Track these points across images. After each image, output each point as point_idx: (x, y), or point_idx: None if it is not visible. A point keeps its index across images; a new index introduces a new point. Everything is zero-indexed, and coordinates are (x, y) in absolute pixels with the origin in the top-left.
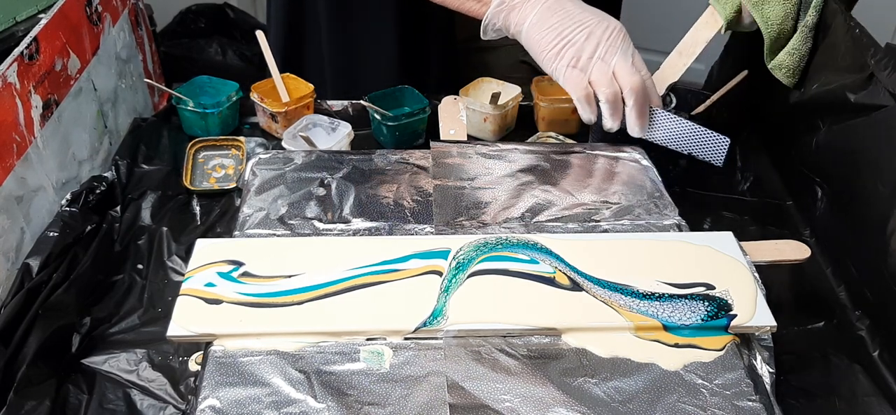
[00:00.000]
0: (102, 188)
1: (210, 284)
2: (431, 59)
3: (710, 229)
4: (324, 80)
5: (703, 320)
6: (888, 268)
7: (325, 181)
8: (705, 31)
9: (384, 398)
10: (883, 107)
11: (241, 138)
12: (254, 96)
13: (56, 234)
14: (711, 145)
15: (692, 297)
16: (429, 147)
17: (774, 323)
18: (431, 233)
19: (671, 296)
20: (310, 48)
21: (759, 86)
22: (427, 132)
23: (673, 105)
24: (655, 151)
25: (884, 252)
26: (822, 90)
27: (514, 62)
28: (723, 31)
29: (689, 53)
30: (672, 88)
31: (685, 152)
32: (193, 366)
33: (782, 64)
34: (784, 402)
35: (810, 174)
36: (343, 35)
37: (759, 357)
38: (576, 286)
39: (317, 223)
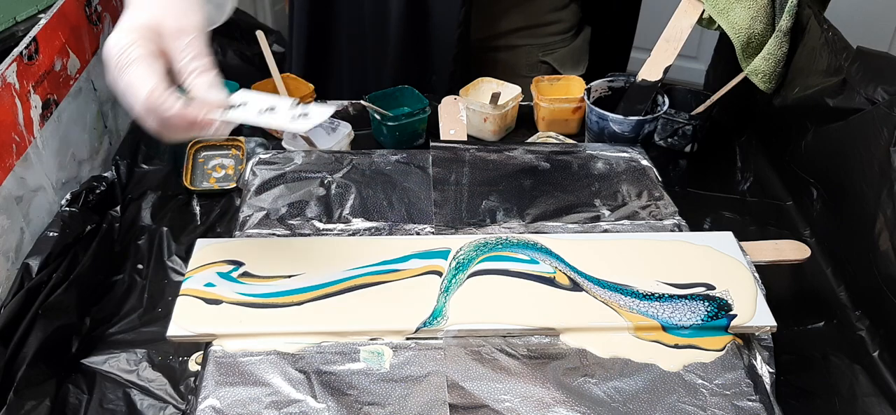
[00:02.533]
0: (102, 188)
1: (210, 285)
2: (436, 59)
3: (710, 229)
4: (342, 84)
5: (703, 320)
6: (878, 268)
7: (325, 181)
8: (686, 18)
9: (384, 398)
10: (859, 111)
11: (241, 138)
12: None
13: (56, 234)
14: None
15: (692, 297)
16: (429, 147)
17: (774, 323)
18: (431, 233)
19: (671, 296)
20: (332, 56)
21: (757, 86)
22: (427, 132)
23: (665, 106)
24: (655, 151)
25: (874, 252)
26: (803, 95)
27: (534, 62)
28: (703, 17)
29: (676, 39)
30: (671, 87)
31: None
32: (193, 366)
33: (758, 69)
34: (784, 402)
35: (805, 175)
36: (357, 39)
37: (759, 357)
38: (576, 286)
39: (317, 223)
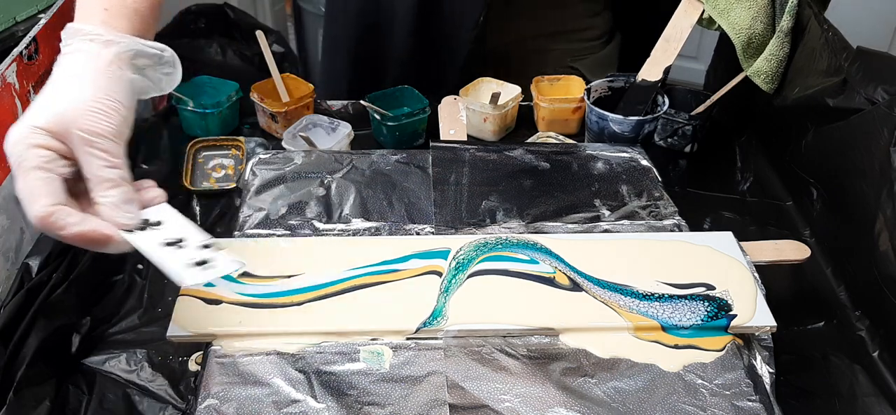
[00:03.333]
0: None
1: (210, 285)
2: (448, 63)
3: (710, 229)
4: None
5: (702, 320)
6: (878, 268)
7: (325, 181)
8: (686, 18)
9: (384, 398)
10: (859, 111)
11: (241, 138)
12: (254, 96)
13: None
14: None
15: (692, 297)
16: (429, 147)
17: (774, 323)
18: (431, 233)
19: (671, 296)
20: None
21: (757, 87)
22: (427, 132)
23: (665, 106)
24: (655, 151)
25: (874, 252)
26: (803, 95)
27: (564, 68)
28: (703, 18)
29: (676, 39)
30: (671, 87)
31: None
32: (193, 366)
33: (760, 70)
34: (784, 402)
35: (805, 175)
36: (373, 41)
37: (758, 357)
38: (576, 287)
39: (317, 223)
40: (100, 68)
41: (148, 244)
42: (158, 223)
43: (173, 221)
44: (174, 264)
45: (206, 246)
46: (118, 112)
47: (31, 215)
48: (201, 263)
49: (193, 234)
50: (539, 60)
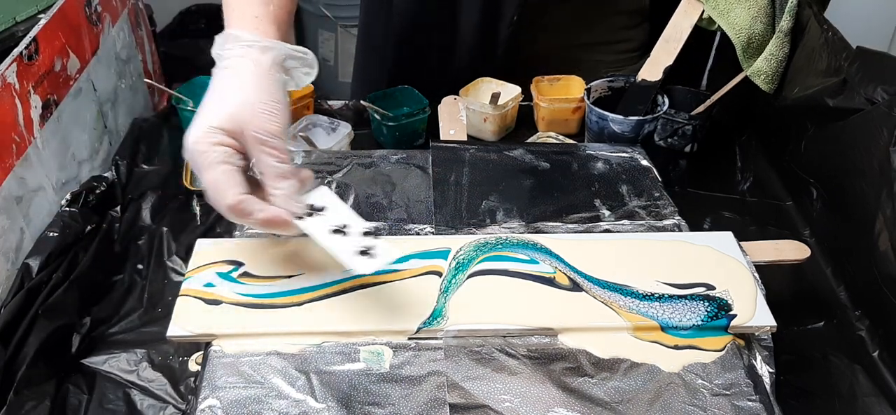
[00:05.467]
0: (102, 188)
1: (209, 285)
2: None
3: (710, 229)
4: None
5: (702, 320)
6: (878, 268)
7: (325, 181)
8: (686, 19)
9: (384, 398)
10: (859, 111)
11: None
12: None
13: (56, 234)
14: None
15: (692, 297)
16: (429, 147)
17: (774, 323)
18: (431, 233)
19: (671, 296)
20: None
21: (757, 87)
22: (427, 132)
23: (665, 106)
24: (655, 151)
25: (873, 252)
26: (803, 95)
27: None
28: (703, 18)
29: (676, 39)
30: (671, 88)
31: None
32: (193, 366)
33: (760, 70)
34: (784, 402)
35: (805, 175)
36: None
37: (758, 357)
38: (576, 287)
39: None
40: (262, 73)
41: (316, 230)
42: (322, 208)
43: (335, 208)
44: (343, 253)
45: (368, 233)
46: (282, 112)
47: (223, 204)
48: (364, 251)
49: (355, 221)
50: (572, 71)
